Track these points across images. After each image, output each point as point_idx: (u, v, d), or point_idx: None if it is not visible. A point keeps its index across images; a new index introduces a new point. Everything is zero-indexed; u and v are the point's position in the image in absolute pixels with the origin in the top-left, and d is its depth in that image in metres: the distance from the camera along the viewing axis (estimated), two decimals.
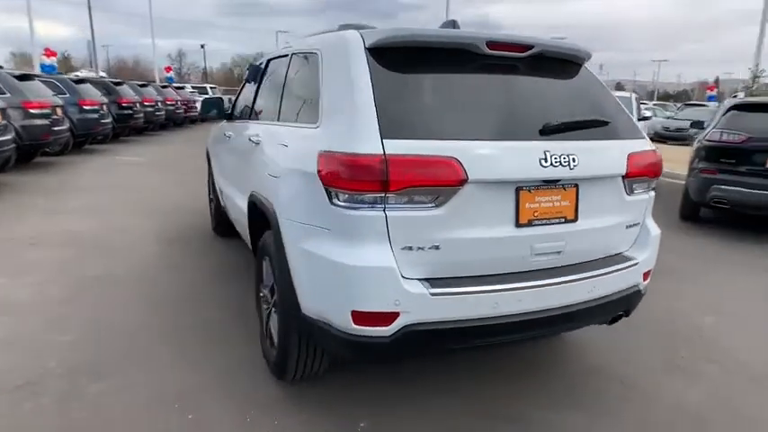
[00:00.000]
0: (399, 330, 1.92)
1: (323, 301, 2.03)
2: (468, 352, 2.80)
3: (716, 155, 5.76)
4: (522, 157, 2.02)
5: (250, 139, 2.97)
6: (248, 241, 3.24)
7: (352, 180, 1.87)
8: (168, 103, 17.44)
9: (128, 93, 14.07)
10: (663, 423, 2.41)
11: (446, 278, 1.98)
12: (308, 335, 2.25)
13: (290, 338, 2.33)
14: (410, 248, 1.91)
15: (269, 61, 3.44)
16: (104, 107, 11.97)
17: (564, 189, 2.13)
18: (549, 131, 2.08)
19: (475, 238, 1.99)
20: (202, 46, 62.65)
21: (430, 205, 1.90)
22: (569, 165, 2.07)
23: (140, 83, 16.70)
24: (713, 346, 3.19)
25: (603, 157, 2.24)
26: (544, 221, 2.10)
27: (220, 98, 4.37)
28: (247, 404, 2.46)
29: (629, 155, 2.28)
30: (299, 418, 2.37)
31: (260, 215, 2.75)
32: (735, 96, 8.70)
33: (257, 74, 3.66)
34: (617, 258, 2.35)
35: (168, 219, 5.88)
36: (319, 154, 2.00)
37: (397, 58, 2.11)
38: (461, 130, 2.01)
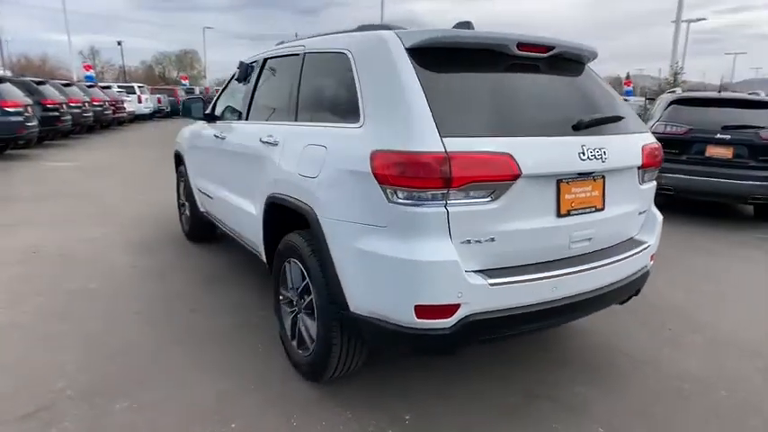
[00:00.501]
0: (459, 321, 1.99)
1: (381, 297, 2.06)
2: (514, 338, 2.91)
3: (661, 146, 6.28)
4: (564, 152, 2.16)
5: (261, 140, 2.91)
6: (256, 245, 3.18)
7: (413, 178, 1.91)
8: (95, 103, 16.34)
9: (52, 93, 13.05)
10: (673, 390, 2.64)
11: (499, 269, 2.08)
12: (356, 333, 2.27)
13: (332, 338, 2.33)
14: (468, 242, 1.99)
15: (266, 60, 3.38)
16: (29, 109, 11.04)
17: (594, 180, 2.29)
18: (581, 127, 2.24)
19: (524, 230, 2.10)
20: (119, 43, 58.93)
21: (487, 200, 1.99)
22: (601, 158, 2.23)
23: (63, 82, 15.52)
24: (693, 320, 3.51)
25: (626, 149, 2.43)
26: (579, 211, 2.25)
27: (201, 98, 4.22)
28: (288, 407, 2.43)
29: (642, 147, 2.49)
30: (344, 416, 2.38)
31: (283, 217, 2.73)
32: (672, 92, 9.49)
33: (249, 73, 3.58)
34: (632, 242, 2.56)
35: (131, 227, 5.58)
36: (372, 153, 2.02)
37: (435, 58, 2.17)
38: (507, 127, 2.11)
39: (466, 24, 2.61)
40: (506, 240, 2.06)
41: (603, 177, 2.32)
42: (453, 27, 2.56)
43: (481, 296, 1.99)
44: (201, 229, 4.92)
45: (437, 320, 1.97)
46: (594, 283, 2.29)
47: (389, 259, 1.99)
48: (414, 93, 2.02)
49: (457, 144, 1.93)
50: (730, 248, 5.28)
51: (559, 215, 2.19)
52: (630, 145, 2.46)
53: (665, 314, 3.58)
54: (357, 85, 2.27)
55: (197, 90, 34.14)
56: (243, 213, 3.29)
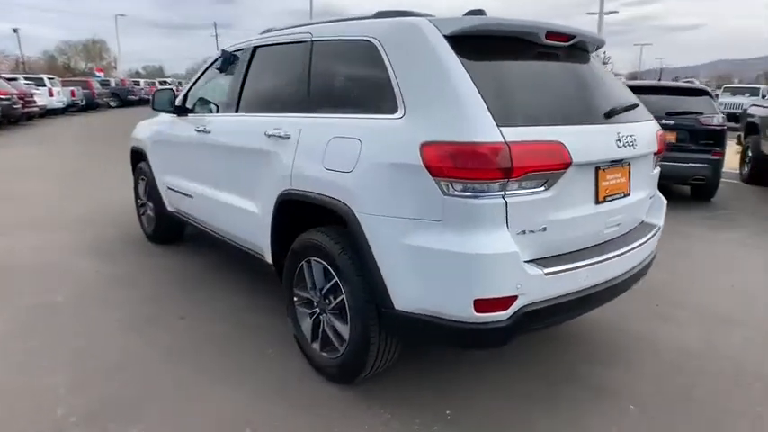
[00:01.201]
0: (515, 313, 1.98)
1: (435, 293, 2.00)
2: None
3: None
4: (604, 140, 2.20)
5: (267, 134, 2.72)
6: (256, 245, 2.99)
7: (473, 169, 1.86)
8: (2, 96, 14.77)
9: None
10: (680, 362, 2.80)
11: (548, 258, 2.08)
12: (401, 331, 2.20)
13: (370, 338, 2.25)
14: (524, 232, 1.97)
15: (256, 49, 3.16)
16: None
17: (623, 167, 2.35)
18: (612, 114, 2.29)
19: (570, 218, 2.12)
20: (15, 30, 53.50)
21: (541, 189, 1.98)
22: (633, 145, 2.30)
23: None
24: (675, 297, 3.73)
25: (648, 136, 2.52)
26: (612, 197, 2.31)
27: (172, 90, 3.90)
28: (322, 412, 2.32)
29: (656, 133, 2.60)
30: (383, 417, 2.31)
31: (300, 215, 2.59)
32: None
33: (233, 63, 3.35)
34: (645, 226, 2.67)
35: (80, 230, 5.10)
36: (423, 144, 1.95)
37: (471, 46, 2.12)
38: (552, 116, 2.11)
39: (478, 12, 2.57)
40: (556, 229, 2.07)
41: (629, 164, 2.40)
42: (464, 15, 2.52)
43: (537, 286, 1.99)
44: (167, 231, 4.60)
45: (495, 313, 1.95)
46: (624, 267, 2.37)
47: (446, 254, 1.93)
48: (463, 82, 1.97)
49: (513, 133, 1.90)
50: (682, 227, 5.69)
51: (597, 202, 2.24)
52: (649, 132, 2.56)
53: (650, 293, 3.79)
54: (391, 74, 2.18)
55: (113, 82, 31.83)
56: (239, 212, 3.08)
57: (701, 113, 6.36)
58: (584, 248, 2.23)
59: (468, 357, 2.79)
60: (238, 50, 3.35)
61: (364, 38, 2.34)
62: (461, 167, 1.88)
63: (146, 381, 2.56)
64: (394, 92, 2.15)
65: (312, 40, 2.68)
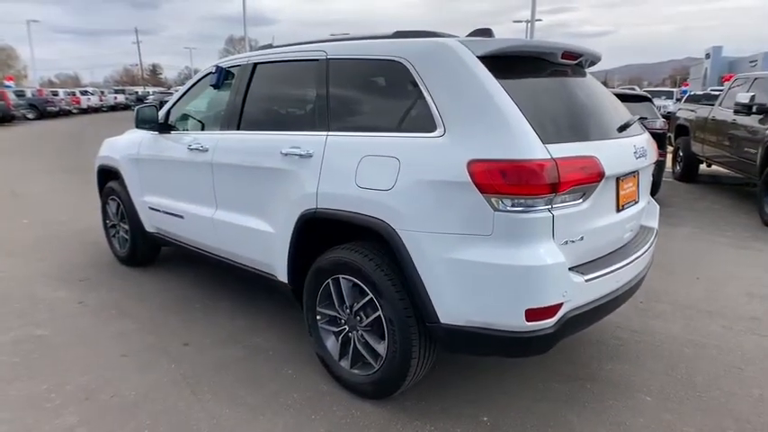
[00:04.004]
0: (560, 320, 2.09)
1: (485, 305, 2.07)
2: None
3: None
4: (625, 152, 2.37)
5: (283, 153, 2.69)
6: (268, 265, 2.94)
7: (524, 186, 1.95)
8: None
9: None
10: (677, 352, 3.04)
11: (582, 265, 2.21)
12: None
13: (412, 352, 2.29)
14: (566, 242, 2.09)
15: (256, 66, 3.10)
16: None
17: (633, 176, 2.54)
18: (625, 128, 2.47)
19: (600, 226, 2.27)
20: None
21: (579, 201, 2.11)
22: (645, 155, 2.49)
23: None
24: (655, 293, 3.99)
25: (650, 147, 2.72)
26: (628, 205, 2.49)
27: (155, 106, 3.73)
28: (368, 430, 2.33)
29: (653, 144, 2.82)
30: (427, 429, 2.35)
31: (326, 233, 2.58)
32: None
33: (228, 79, 3.27)
34: (646, 229, 2.88)
35: (40, 255, 4.75)
36: (470, 162, 2.02)
37: (499, 66, 2.22)
38: (581, 131, 2.25)
39: (486, 32, 2.68)
40: (590, 238, 2.20)
41: (638, 173, 2.59)
42: (470, 34, 2.62)
43: (578, 293, 2.12)
44: (144, 252, 4.38)
45: (543, 321, 2.05)
46: (639, 268, 2.55)
47: (497, 267, 2.01)
48: (505, 101, 2.06)
49: (557, 150, 2.01)
50: None
51: (618, 210, 2.40)
52: (650, 143, 2.77)
53: None
54: (426, 94, 2.23)
55: (29, 92, 29.57)
56: (246, 232, 3.01)
57: (645, 118, 6.87)
58: (609, 254, 2.39)
59: (491, 365, 2.88)
60: (234, 66, 3.27)
61: (393, 58, 2.38)
62: (512, 184, 1.96)
63: (177, 416, 2.44)
64: (431, 111, 2.20)
65: (328, 59, 2.67)
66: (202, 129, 3.62)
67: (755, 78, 7.25)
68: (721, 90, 9.38)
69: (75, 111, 30.70)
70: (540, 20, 37.46)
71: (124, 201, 4.24)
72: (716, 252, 5.05)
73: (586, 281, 2.13)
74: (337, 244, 2.57)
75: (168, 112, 3.76)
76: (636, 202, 2.59)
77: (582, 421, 2.41)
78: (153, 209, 3.91)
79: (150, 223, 4.04)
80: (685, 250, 5.14)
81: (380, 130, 2.39)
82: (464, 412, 2.47)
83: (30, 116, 26.21)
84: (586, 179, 2.09)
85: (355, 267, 2.40)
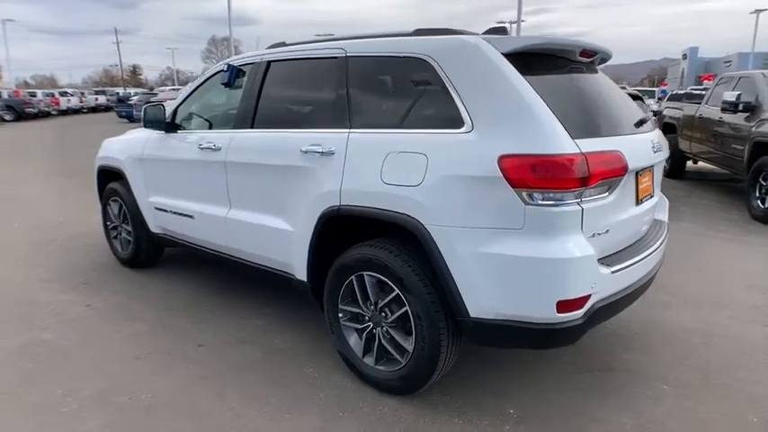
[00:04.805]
0: (588, 311, 2.13)
1: (516, 298, 2.10)
2: None
3: None
4: (645, 147, 2.43)
5: (303, 150, 2.68)
6: (285, 263, 2.93)
7: (555, 179, 1.99)
8: None
9: None
10: (686, 341, 3.11)
11: (607, 257, 2.26)
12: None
13: (440, 346, 2.31)
14: (593, 235, 2.13)
15: (270, 63, 3.09)
16: None
17: (649, 171, 2.60)
18: (641, 124, 2.52)
19: (623, 219, 2.32)
20: None
21: (605, 195, 2.15)
22: (660, 150, 2.55)
23: None
24: (661, 285, 4.03)
25: (664, 142, 2.79)
26: (645, 198, 2.54)
27: (162, 106, 3.69)
28: (399, 426, 2.34)
29: (665, 140, 2.89)
30: (456, 423, 2.37)
31: (348, 230, 2.59)
32: None
33: (236, 77, 3.25)
34: (659, 222, 2.94)
35: (43, 260, 4.65)
36: (501, 157, 2.05)
37: (523, 63, 2.25)
38: (604, 127, 2.30)
39: (501, 30, 2.72)
40: (614, 230, 2.25)
41: (653, 167, 2.65)
42: (486, 32, 2.66)
43: (605, 284, 2.16)
44: (148, 254, 4.33)
45: (573, 313, 2.08)
46: (654, 261, 2.61)
47: (529, 260, 2.04)
48: (533, 97, 2.09)
49: (585, 145, 2.05)
50: None
51: (637, 203, 2.46)
52: (663, 138, 2.84)
53: None
54: (452, 91, 2.25)
55: (5, 93, 28.86)
56: (262, 230, 3.00)
57: None
58: (629, 246, 2.44)
59: (511, 357, 2.91)
60: (246, 64, 3.25)
61: (416, 55, 2.40)
62: (543, 178, 2.00)
63: (201, 419, 2.42)
64: (457, 108, 2.23)
65: (347, 56, 2.68)
66: (211, 127, 3.60)
67: (740, 78, 7.44)
68: (700, 89, 9.64)
69: (54, 112, 30.01)
70: (524, 20, 38.02)
71: (127, 202, 4.18)
72: (711, 245, 5.18)
73: (612, 273, 2.17)
74: (359, 241, 2.58)
75: (175, 112, 3.72)
76: (651, 196, 2.65)
77: (605, 410, 2.45)
78: (159, 209, 3.86)
79: (155, 224, 3.99)
80: (683, 244, 5.25)
81: (405, 127, 2.41)
82: (489, 405, 2.50)
83: (7, 118, 25.64)
84: (612, 173, 2.14)
85: (381, 264, 2.41)
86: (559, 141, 2.01)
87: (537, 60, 2.36)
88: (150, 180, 3.91)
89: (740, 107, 6.76)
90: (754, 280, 4.16)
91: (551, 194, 2.01)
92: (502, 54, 2.22)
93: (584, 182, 2.02)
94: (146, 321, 3.43)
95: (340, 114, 2.65)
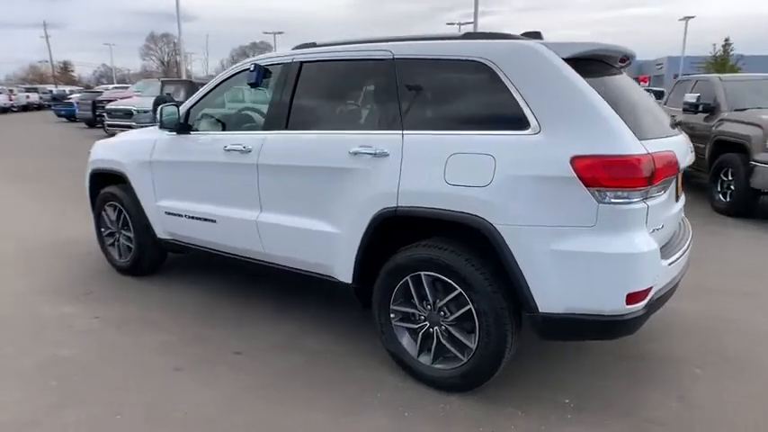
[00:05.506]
0: (648, 302, 2.27)
1: (587, 292, 2.20)
2: None
3: None
4: (684, 147, 2.61)
5: (352, 152, 2.67)
6: (327, 266, 2.92)
7: (627, 179, 2.10)
8: None
9: None
10: (710, 329, 3.32)
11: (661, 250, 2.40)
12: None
13: (506, 342, 2.38)
14: (653, 231, 2.27)
15: (302, 64, 3.05)
16: None
17: (680, 170, 2.78)
18: (676, 125, 2.70)
19: (669, 216, 2.48)
20: None
21: (662, 192, 2.30)
22: (692, 151, 2.73)
23: None
24: None
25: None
26: (679, 196, 2.72)
27: (177, 105, 3.54)
28: (467, 421, 2.39)
29: None
30: (520, 415, 2.44)
31: (402, 231, 2.61)
32: None
33: (263, 78, 3.18)
34: (684, 220, 3.13)
35: (31, 271, 4.35)
36: (574, 158, 2.14)
37: (579, 68, 2.36)
38: (654, 129, 2.44)
39: (536, 35, 2.82)
40: (665, 226, 2.40)
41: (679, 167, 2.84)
42: (522, 35, 2.77)
43: (663, 276, 2.31)
44: (151, 260, 4.15)
45: (638, 304, 2.21)
46: (687, 257, 2.78)
47: (602, 255, 2.14)
48: (598, 100, 2.20)
49: (650, 146, 2.18)
50: None
51: (676, 200, 2.62)
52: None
53: None
54: (515, 94, 2.32)
55: None
56: (302, 234, 2.96)
57: None
58: (671, 241, 2.61)
59: (549, 349, 3.01)
60: (274, 64, 3.19)
61: (474, 58, 2.44)
62: (616, 177, 2.11)
63: (263, 427, 2.37)
64: (522, 110, 2.30)
65: (394, 58, 2.69)
66: (225, 128, 3.51)
67: (697, 81, 8.00)
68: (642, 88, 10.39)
69: None
70: (471, 22, 38.97)
71: (129, 206, 3.99)
72: None
73: (668, 265, 2.32)
74: (407, 242, 2.61)
75: (188, 113, 3.59)
76: (679, 196, 2.84)
77: (651, 394, 2.60)
78: (172, 214, 3.71)
79: (164, 229, 3.83)
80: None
81: (466, 129, 2.45)
82: (545, 396, 2.59)
83: None
84: (670, 172, 2.29)
85: (441, 263, 2.45)
86: (629, 142, 2.13)
87: (585, 65, 2.47)
88: (160, 184, 3.75)
89: (700, 108, 7.27)
90: (743, 267, 4.49)
91: (622, 193, 2.13)
92: (564, 59, 2.31)
93: (650, 180, 2.15)
94: (170, 331, 3.29)
95: (390, 116, 2.66)
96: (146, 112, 12.99)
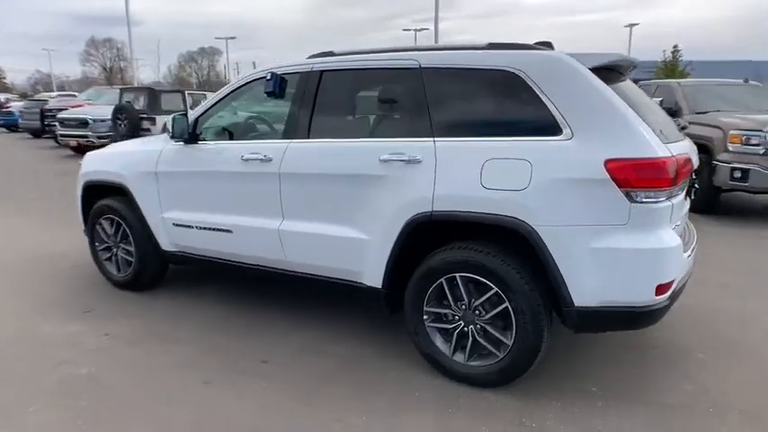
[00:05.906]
0: (671, 293, 2.46)
1: (620, 286, 2.36)
2: None
3: None
4: (693, 150, 2.81)
5: (383, 159, 2.74)
6: (355, 272, 2.97)
7: (656, 179, 2.29)
8: None
9: None
10: (710, 319, 3.57)
11: None
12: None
13: (543, 337, 2.51)
14: (675, 227, 2.47)
15: (323, 73, 3.10)
16: None
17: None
18: (684, 129, 2.92)
19: (683, 213, 2.69)
20: None
21: (679, 192, 2.49)
22: (697, 154, 2.97)
23: None
24: None
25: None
26: (686, 196, 2.95)
27: (186, 115, 3.49)
28: (508, 414, 2.50)
29: None
30: (556, 406, 2.57)
31: (435, 235, 2.71)
32: None
33: (282, 87, 3.20)
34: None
35: (22, 288, 4.14)
36: (607, 161, 2.30)
37: (601, 76, 2.54)
38: (669, 132, 2.64)
39: (547, 44, 2.99)
40: (681, 222, 2.61)
41: None
42: (535, 44, 2.93)
43: (682, 269, 2.51)
44: (153, 274, 4.05)
45: (664, 295, 2.40)
46: (695, 254, 3.00)
47: (635, 251, 2.32)
48: (625, 107, 2.38)
49: (673, 149, 2.38)
50: None
51: (685, 198, 2.85)
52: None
53: None
54: (546, 101, 2.46)
55: None
56: (329, 241, 2.99)
57: None
58: (683, 236, 2.82)
59: (563, 341, 3.17)
60: (292, 73, 3.21)
61: (504, 68, 2.57)
62: (646, 178, 2.28)
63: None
64: (554, 117, 2.44)
65: (421, 67, 2.79)
66: (232, 138, 3.52)
67: (657, 86, 8.52)
68: None
69: None
70: (426, 29, 39.75)
71: (129, 219, 3.88)
72: None
73: (687, 257, 2.53)
74: (437, 246, 2.71)
75: (196, 122, 3.55)
76: (687, 194, 3.07)
77: (667, 379, 2.81)
78: (180, 225, 3.64)
79: (171, 241, 3.76)
80: None
81: (499, 135, 2.57)
82: (574, 386, 2.73)
83: None
84: (689, 173, 2.50)
85: (478, 264, 2.56)
86: (657, 146, 2.32)
87: (607, 74, 2.65)
88: (167, 195, 3.68)
89: None
90: (727, 263, 4.81)
91: (651, 193, 2.31)
92: (590, 69, 2.48)
93: (675, 181, 2.34)
94: (185, 344, 3.24)
95: (420, 123, 2.75)
96: (103, 121, 12.48)
